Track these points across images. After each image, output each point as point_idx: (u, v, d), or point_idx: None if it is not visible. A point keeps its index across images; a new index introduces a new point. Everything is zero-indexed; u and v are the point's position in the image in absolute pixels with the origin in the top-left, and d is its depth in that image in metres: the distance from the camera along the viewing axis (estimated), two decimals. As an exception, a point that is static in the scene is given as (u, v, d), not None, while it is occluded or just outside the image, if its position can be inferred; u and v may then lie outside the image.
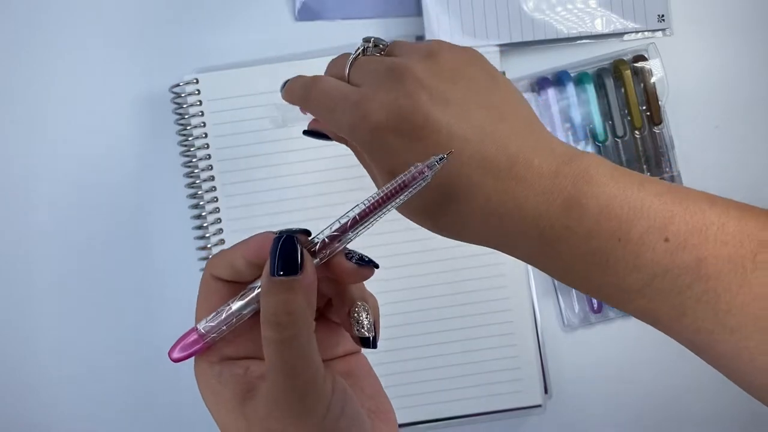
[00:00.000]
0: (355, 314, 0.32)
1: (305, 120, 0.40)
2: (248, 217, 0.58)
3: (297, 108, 0.40)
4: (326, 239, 0.30)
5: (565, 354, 0.59)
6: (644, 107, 0.58)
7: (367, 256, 0.31)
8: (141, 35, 0.61)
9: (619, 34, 0.59)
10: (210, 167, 0.58)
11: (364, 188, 0.58)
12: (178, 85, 0.59)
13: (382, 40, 0.36)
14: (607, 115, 0.58)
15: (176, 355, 0.31)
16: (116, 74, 0.61)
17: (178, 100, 0.59)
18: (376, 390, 0.34)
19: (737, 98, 0.60)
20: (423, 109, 0.31)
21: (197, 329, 0.31)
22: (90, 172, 0.60)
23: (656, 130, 0.58)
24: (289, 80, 0.40)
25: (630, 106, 0.58)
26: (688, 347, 0.32)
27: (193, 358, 0.32)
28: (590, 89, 0.58)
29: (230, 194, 0.58)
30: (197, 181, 0.59)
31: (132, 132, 0.61)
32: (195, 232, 0.59)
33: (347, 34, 0.60)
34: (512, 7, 0.58)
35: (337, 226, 0.30)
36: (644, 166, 0.58)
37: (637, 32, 0.58)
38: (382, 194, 0.29)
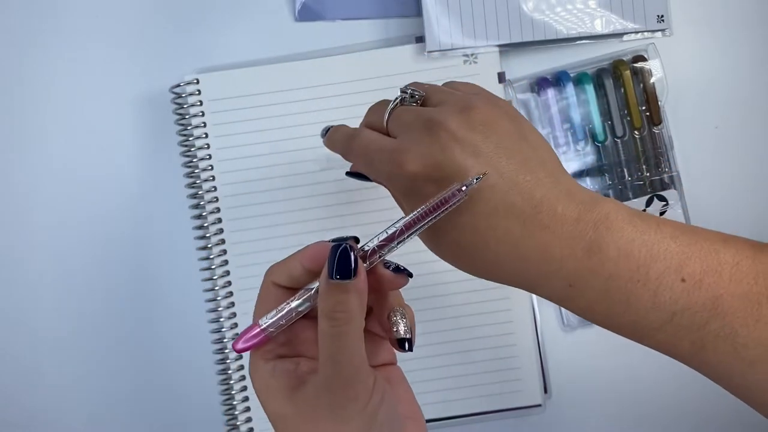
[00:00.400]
0: (394, 318, 0.36)
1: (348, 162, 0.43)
2: (248, 218, 0.58)
3: None
4: (375, 247, 0.34)
5: (565, 354, 0.59)
6: (644, 107, 0.58)
7: (402, 266, 0.36)
8: (141, 35, 0.61)
9: (618, 35, 0.59)
10: (210, 167, 0.59)
11: (362, 187, 0.58)
12: (178, 86, 0.59)
13: (417, 90, 0.39)
14: (606, 115, 0.58)
15: (240, 346, 0.35)
16: (116, 74, 0.61)
17: (179, 101, 0.59)
18: (409, 399, 0.38)
19: (737, 98, 0.60)
20: (455, 161, 0.34)
21: (259, 324, 0.35)
22: (90, 173, 0.60)
23: (656, 130, 0.58)
24: (330, 128, 0.44)
25: (629, 107, 0.58)
26: (709, 377, 0.34)
27: (248, 354, 0.36)
28: (590, 89, 0.58)
29: (230, 194, 0.58)
30: (197, 182, 0.59)
31: (132, 132, 0.61)
32: (195, 232, 0.59)
33: (347, 34, 0.60)
34: (512, 8, 0.58)
35: (383, 236, 0.34)
36: (643, 166, 0.58)
37: (636, 33, 0.59)
38: (424, 209, 0.33)
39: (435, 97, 0.38)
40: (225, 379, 0.58)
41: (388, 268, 0.35)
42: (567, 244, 0.33)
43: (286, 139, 0.58)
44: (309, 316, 0.36)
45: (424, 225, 0.34)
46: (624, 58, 0.58)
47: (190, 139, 0.59)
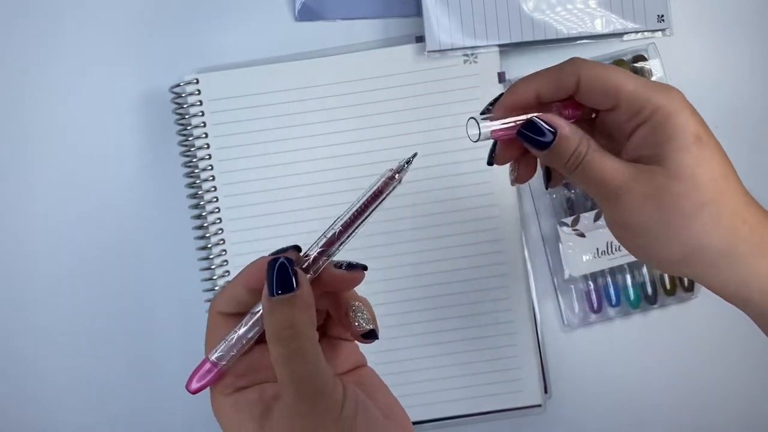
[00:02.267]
0: (352, 313, 0.34)
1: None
2: (248, 217, 0.58)
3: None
4: (316, 254, 0.33)
5: (565, 354, 0.59)
6: (644, 107, 0.58)
7: (354, 261, 0.34)
8: (141, 35, 0.61)
9: (618, 35, 0.59)
10: (210, 167, 0.59)
11: (362, 188, 0.58)
12: (178, 85, 0.59)
13: None
14: (606, 115, 0.58)
15: (194, 386, 0.33)
16: (116, 74, 0.61)
17: (179, 101, 0.59)
18: (388, 400, 0.35)
19: (737, 98, 0.60)
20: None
21: (209, 359, 0.33)
22: (90, 172, 0.60)
23: (656, 130, 0.58)
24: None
25: (630, 106, 0.58)
26: None
27: (208, 390, 0.34)
28: (590, 89, 0.58)
29: (230, 194, 0.58)
30: (197, 181, 0.59)
31: (132, 132, 0.61)
32: (195, 232, 0.59)
33: (347, 34, 0.60)
34: (512, 7, 0.58)
35: (323, 240, 0.33)
36: (644, 166, 0.58)
37: (636, 32, 0.58)
38: (359, 205, 0.33)
39: None
40: (225, 379, 0.58)
41: (340, 267, 0.34)
42: None
43: (285, 139, 0.58)
44: (263, 340, 0.33)
45: (364, 219, 0.33)
46: (624, 58, 0.58)
47: (190, 139, 0.59)
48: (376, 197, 0.32)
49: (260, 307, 0.32)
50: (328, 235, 0.33)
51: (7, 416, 0.60)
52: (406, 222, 0.58)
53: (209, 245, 0.58)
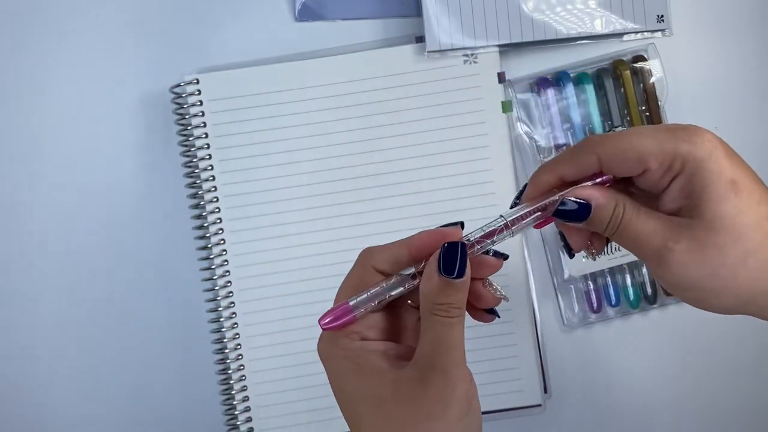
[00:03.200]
0: (488, 284, 0.37)
1: None
2: (248, 217, 0.58)
3: None
4: (474, 241, 0.36)
5: (565, 354, 0.59)
6: (643, 107, 0.58)
7: (499, 250, 0.37)
8: (141, 35, 0.61)
9: (618, 35, 0.59)
10: (210, 167, 0.59)
11: (362, 188, 0.58)
12: (178, 86, 0.59)
13: None
14: (606, 115, 0.58)
15: (329, 322, 0.35)
16: (116, 74, 0.61)
17: (179, 101, 0.59)
18: None
19: (737, 99, 0.60)
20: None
21: (349, 303, 0.36)
22: (90, 173, 0.60)
23: (656, 130, 0.58)
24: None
25: (629, 107, 0.58)
26: None
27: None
28: (590, 89, 0.58)
29: (230, 194, 0.58)
30: (198, 182, 0.59)
31: (132, 132, 0.61)
32: (195, 232, 0.59)
33: (347, 35, 0.60)
34: (512, 8, 0.58)
35: (480, 234, 0.36)
36: (644, 167, 0.58)
37: (636, 33, 0.59)
38: (524, 211, 0.36)
39: None
40: (225, 379, 0.58)
41: (486, 253, 0.37)
42: None
43: (285, 139, 0.58)
44: (394, 305, 0.37)
45: (524, 224, 0.36)
46: (624, 58, 0.58)
47: (190, 139, 0.59)
48: (540, 210, 0.36)
49: (410, 271, 0.36)
50: (486, 230, 0.36)
51: (7, 411, 0.60)
52: (406, 222, 0.58)
53: (209, 245, 0.58)
